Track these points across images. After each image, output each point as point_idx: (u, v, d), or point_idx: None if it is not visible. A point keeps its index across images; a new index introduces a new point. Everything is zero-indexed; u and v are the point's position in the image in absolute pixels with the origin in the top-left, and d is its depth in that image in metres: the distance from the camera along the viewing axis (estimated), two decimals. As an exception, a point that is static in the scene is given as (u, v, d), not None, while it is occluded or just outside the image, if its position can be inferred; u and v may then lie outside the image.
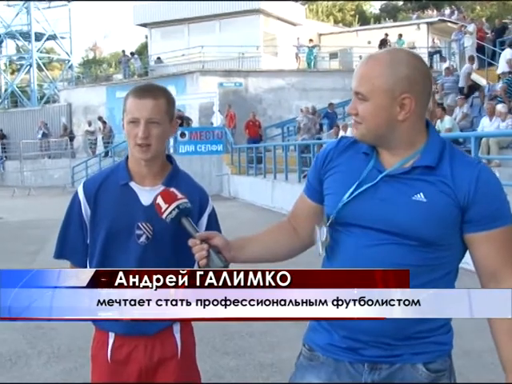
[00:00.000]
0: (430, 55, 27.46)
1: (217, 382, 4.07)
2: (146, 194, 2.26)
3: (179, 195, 1.98)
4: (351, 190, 1.83)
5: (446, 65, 19.67)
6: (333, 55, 33.29)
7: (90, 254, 2.33)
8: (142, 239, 2.25)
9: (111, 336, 2.31)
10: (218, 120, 23.55)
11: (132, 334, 2.28)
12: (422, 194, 1.76)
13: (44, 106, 37.12)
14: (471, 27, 20.84)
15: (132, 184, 2.29)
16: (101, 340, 2.34)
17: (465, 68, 18.17)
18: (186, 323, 2.37)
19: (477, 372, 4.35)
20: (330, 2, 50.66)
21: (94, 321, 2.25)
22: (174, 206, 1.94)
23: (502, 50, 18.96)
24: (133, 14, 34.19)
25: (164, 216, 1.96)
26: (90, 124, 28.65)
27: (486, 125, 12.63)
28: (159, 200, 1.97)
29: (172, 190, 2.02)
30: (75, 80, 40.33)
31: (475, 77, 20.23)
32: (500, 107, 12.58)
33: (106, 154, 26.89)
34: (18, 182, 26.90)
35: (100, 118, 28.37)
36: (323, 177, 1.96)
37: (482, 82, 19.18)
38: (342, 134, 17.62)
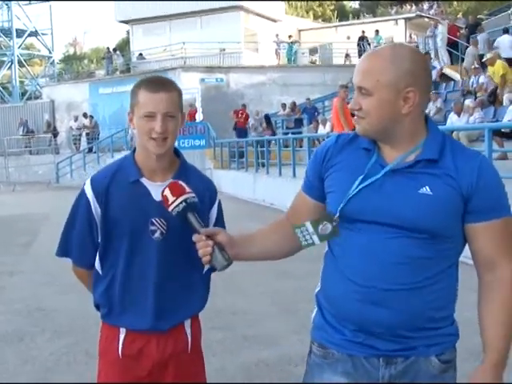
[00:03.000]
0: (408, 50, 28.06)
1: (223, 382, 4.29)
2: (158, 190, 2.15)
3: (187, 189, 1.96)
4: (355, 184, 1.82)
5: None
6: (312, 51, 33.83)
7: (103, 252, 2.28)
8: (157, 235, 2.20)
9: (122, 331, 2.27)
10: (200, 115, 24.06)
11: (145, 330, 2.25)
12: (427, 187, 1.77)
13: (26, 102, 37.23)
14: (442, 25, 21.49)
15: (143, 180, 2.23)
16: (110, 335, 2.30)
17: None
18: (195, 318, 2.37)
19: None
20: (310, -2, 51.11)
21: (105, 316, 2.32)
22: (181, 199, 1.92)
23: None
24: (114, 10, 34.45)
25: (170, 209, 1.93)
26: (76, 119, 28.95)
27: (454, 120, 13.24)
28: (167, 192, 1.95)
29: (180, 182, 1.99)
30: (57, 76, 40.46)
31: (449, 72, 20.91)
32: (468, 102, 13.19)
33: (90, 149, 27.22)
34: (3, 178, 27.17)
35: (85, 115, 28.63)
36: (324, 174, 1.94)
37: (456, 77, 19.81)
38: (321, 128, 18.22)
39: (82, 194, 2.26)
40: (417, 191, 1.77)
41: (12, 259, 9.44)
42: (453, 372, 1.89)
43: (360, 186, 1.82)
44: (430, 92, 1.90)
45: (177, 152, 2.33)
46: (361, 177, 1.82)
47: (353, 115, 1.91)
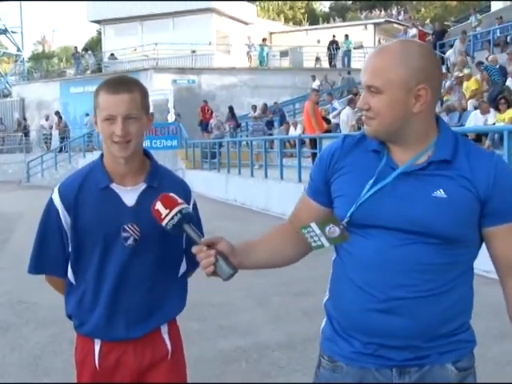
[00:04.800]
0: (376, 55, 28.65)
1: (212, 382, 4.34)
2: (129, 195, 2.13)
3: (179, 200, 1.85)
4: (366, 189, 1.74)
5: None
6: (283, 53, 34.21)
7: (74, 262, 2.19)
8: (130, 242, 2.12)
9: (97, 342, 2.19)
10: (172, 116, 24.28)
11: (119, 339, 2.18)
12: (441, 189, 1.68)
13: (-4, 100, 37.01)
14: (413, 31, 22.12)
15: (113, 186, 2.14)
16: (85, 347, 2.22)
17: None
18: (172, 323, 2.30)
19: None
20: (281, 1, 51.56)
21: (78, 326, 2.23)
22: (175, 210, 1.81)
23: (441, 52, 20.27)
24: (86, 10, 34.43)
25: (164, 222, 1.82)
26: (47, 118, 28.89)
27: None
28: (158, 206, 1.83)
29: (171, 194, 1.88)
30: (27, 75, 40.17)
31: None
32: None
33: (61, 149, 27.19)
34: (-27, 177, 27.01)
35: (57, 113, 28.53)
36: (330, 178, 1.85)
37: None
38: (292, 130, 18.59)
39: (50, 203, 2.17)
40: (430, 194, 1.69)
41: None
42: (472, 379, 1.81)
43: (371, 191, 1.73)
44: (440, 89, 1.81)
45: (147, 153, 2.25)
46: (371, 180, 1.74)
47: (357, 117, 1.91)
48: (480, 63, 15.74)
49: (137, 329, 2.17)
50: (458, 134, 1.82)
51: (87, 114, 27.59)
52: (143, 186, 2.15)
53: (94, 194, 2.13)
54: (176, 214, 1.80)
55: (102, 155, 2.20)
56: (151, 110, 2.23)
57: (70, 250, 2.18)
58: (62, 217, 2.14)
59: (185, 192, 2.25)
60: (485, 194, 1.69)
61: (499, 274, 1.79)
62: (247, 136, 21.15)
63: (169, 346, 2.25)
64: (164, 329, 2.25)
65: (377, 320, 1.72)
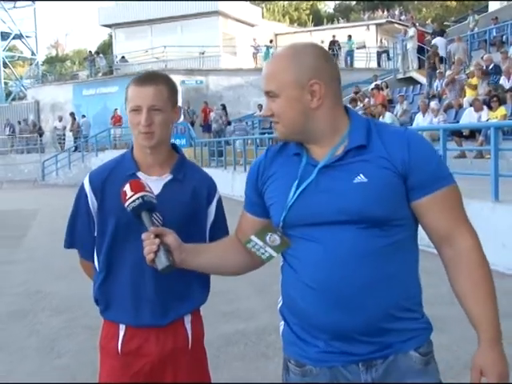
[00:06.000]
0: (378, 54, 29.08)
1: (232, 382, 4.33)
2: (154, 184, 2.13)
3: (148, 188, 1.92)
4: (292, 191, 1.77)
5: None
6: (289, 54, 34.42)
7: (98, 245, 2.27)
8: None
9: (122, 328, 2.25)
10: (181, 116, 24.83)
11: (144, 326, 2.23)
12: (361, 174, 1.70)
13: (11, 103, 37.66)
14: (412, 31, 22.45)
15: (139, 174, 2.22)
16: (110, 332, 2.28)
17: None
18: (196, 314, 2.35)
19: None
20: (286, 2, 51.85)
21: (103, 311, 2.31)
22: (139, 195, 1.88)
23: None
24: (98, 14, 34.95)
25: (127, 204, 1.90)
26: (60, 120, 29.48)
27: (419, 120, 14.02)
28: (126, 187, 1.91)
29: (142, 181, 1.97)
30: (42, 78, 40.71)
31: (416, 75, 21.88)
32: (433, 104, 14.00)
33: (75, 148, 27.75)
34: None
35: (72, 114, 28.96)
36: (261, 190, 1.89)
37: (423, 80, 20.70)
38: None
39: (82, 187, 2.29)
40: (352, 181, 1.71)
41: (7, 251, 10.10)
42: (434, 362, 1.82)
43: (297, 192, 1.76)
44: (338, 84, 1.82)
45: (175, 148, 2.35)
46: (296, 182, 1.77)
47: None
48: (486, 74, 15.45)
49: (163, 317, 2.23)
50: (369, 119, 1.87)
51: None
52: (169, 177, 2.23)
53: (120, 180, 2.14)
54: (138, 198, 1.88)
55: (132, 146, 2.31)
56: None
57: (95, 234, 2.28)
58: (90, 201, 2.25)
59: (209, 188, 2.33)
60: (403, 168, 1.71)
61: (435, 246, 1.80)
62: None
63: (190, 336, 2.29)
64: (187, 318, 2.29)
65: (334, 317, 1.73)
